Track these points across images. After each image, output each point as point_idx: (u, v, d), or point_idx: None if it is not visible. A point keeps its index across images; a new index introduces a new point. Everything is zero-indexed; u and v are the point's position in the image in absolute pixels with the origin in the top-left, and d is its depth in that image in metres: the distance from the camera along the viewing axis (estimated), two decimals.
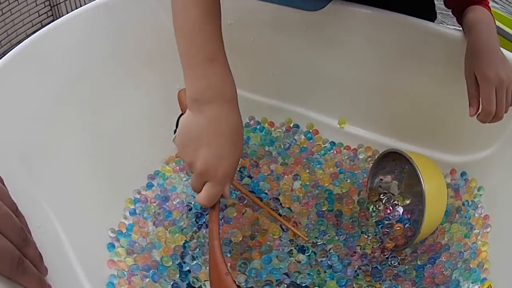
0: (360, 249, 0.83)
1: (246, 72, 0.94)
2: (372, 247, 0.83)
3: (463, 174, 0.94)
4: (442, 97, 0.92)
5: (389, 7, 0.91)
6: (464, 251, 0.80)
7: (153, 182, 0.94)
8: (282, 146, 1.01)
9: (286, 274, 0.78)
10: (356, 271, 0.79)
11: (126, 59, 0.93)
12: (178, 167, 0.97)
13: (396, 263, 0.81)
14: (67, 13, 0.89)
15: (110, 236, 0.83)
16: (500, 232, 0.79)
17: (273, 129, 1.06)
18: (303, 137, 1.05)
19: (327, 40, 0.98)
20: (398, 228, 0.85)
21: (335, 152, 1.02)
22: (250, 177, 0.94)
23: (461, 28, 0.87)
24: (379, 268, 0.80)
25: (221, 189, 0.66)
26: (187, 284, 0.77)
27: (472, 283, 0.75)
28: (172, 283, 0.76)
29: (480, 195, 0.88)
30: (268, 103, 1.07)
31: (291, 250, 0.81)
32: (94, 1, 0.90)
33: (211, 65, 0.66)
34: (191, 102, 0.66)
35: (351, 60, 0.97)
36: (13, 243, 0.47)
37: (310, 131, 1.05)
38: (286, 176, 0.95)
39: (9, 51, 0.75)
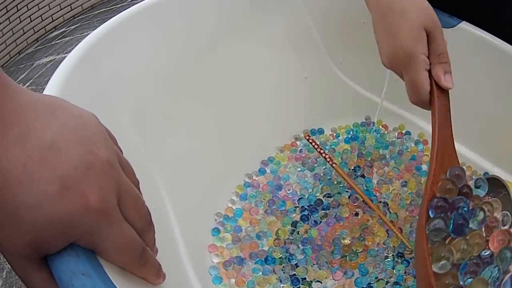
0: None
1: (372, 72, 0.93)
2: None
3: None
4: None
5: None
6: None
7: (266, 168, 0.93)
8: (396, 152, 0.99)
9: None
10: None
11: (258, 41, 0.94)
12: (294, 156, 0.96)
13: None
14: None
15: (215, 220, 0.83)
16: None
17: (386, 132, 1.04)
18: (413, 145, 1.03)
19: (452, 57, 0.96)
20: None
21: None
22: (363, 176, 0.93)
23: None
24: None
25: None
26: (292, 277, 0.76)
27: None
28: (279, 276, 0.75)
29: None
30: (385, 106, 1.06)
31: (393, 256, 0.80)
32: None
33: None
34: None
35: (469, 81, 0.94)
36: (137, 231, 0.40)
37: (421, 140, 1.03)
38: (396, 181, 0.93)
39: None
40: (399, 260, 0.79)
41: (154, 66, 0.79)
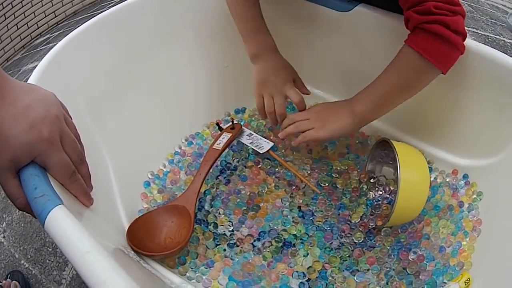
0: (346, 221, 0.95)
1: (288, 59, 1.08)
2: (359, 221, 0.94)
3: (465, 176, 0.99)
4: (452, 101, 0.98)
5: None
6: (447, 247, 0.87)
7: (193, 141, 1.15)
8: None
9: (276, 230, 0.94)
10: (339, 241, 0.91)
11: (189, 41, 1.15)
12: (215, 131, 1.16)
13: (373, 241, 0.90)
14: None
15: (149, 177, 1.04)
16: (489, 239, 0.85)
17: None
18: None
19: (353, 38, 1.09)
20: (385, 207, 0.93)
21: (349, 136, 1.13)
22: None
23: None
24: (355, 240, 0.91)
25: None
26: (202, 220, 0.96)
27: (447, 280, 0.82)
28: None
29: (480, 199, 0.93)
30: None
31: (291, 209, 0.98)
32: None
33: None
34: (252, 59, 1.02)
35: (372, 58, 1.01)
36: (71, 160, 0.63)
37: None
38: (302, 149, 1.11)
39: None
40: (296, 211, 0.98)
41: (104, 65, 1.00)
